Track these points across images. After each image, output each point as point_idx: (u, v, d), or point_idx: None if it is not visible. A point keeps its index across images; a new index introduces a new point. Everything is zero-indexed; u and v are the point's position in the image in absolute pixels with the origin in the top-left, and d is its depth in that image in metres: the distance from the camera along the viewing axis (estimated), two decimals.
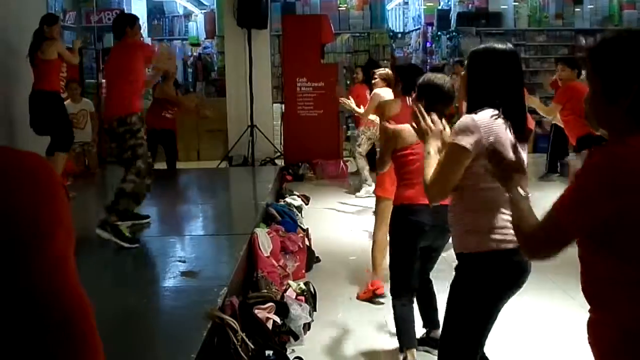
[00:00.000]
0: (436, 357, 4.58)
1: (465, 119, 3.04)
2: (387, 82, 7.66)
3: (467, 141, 2.96)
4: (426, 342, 4.86)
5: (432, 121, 3.46)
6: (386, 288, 5.43)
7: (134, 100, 6.50)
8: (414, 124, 3.51)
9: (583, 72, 8.22)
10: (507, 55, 3.14)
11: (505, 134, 3.03)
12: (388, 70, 8.56)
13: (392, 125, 4.64)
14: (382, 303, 5.68)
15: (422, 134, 3.45)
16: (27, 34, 8.26)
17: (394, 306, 4.60)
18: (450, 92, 4.39)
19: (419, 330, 4.92)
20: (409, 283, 4.57)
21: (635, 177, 1.86)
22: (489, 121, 3.01)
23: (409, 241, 4.47)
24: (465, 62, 3.30)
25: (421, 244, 4.49)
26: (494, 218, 3.05)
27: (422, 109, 3.47)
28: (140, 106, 6.69)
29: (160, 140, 10.34)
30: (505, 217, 3.01)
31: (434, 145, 3.39)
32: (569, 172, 2.54)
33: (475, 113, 3.03)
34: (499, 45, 3.17)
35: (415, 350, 4.54)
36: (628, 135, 1.92)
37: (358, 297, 5.98)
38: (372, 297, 5.85)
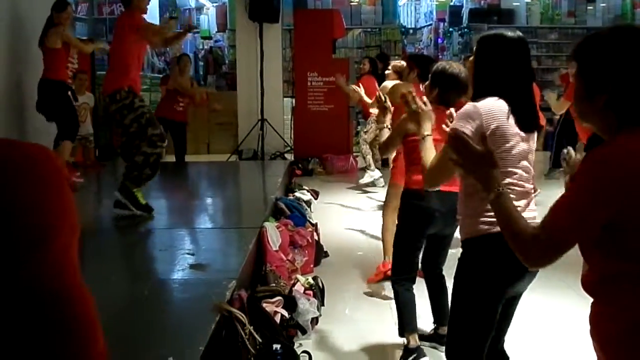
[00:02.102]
0: (443, 353, 4.65)
1: (467, 105, 3.02)
2: (399, 75, 7.63)
3: (467, 127, 2.93)
4: (434, 338, 4.86)
5: (423, 103, 3.47)
6: None
7: (121, 75, 6.51)
8: (407, 109, 3.54)
9: None
10: (516, 43, 3.10)
11: (509, 122, 2.99)
12: (404, 63, 8.52)
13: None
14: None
15: (415, 117, 3.46)
16: (40, 22, 8.28)
17: (396, 291, 4.62)
18: (464, 82, 4.38)
19: (428, 326, 4.93)
20: (411, 267, 4.61)
21: (628, 179, 1.86)
22: (491, 107, 2.97)
23: (417, 226, 4.49)
24: (474, 47, 3.27)
25: (430, 230, 4.49)
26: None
27: (414, 93, 3.47)
28: (131, 81, 6.55)
29: (170, 131, 10.34)
30: None
31: (427, 128, 3.40)
32: (567, 163, 2.48)
33: (478, 100, 3.01)
34: (509, 33, 3.13)
35: (416, 334, 4.56)
36: (614, 132, 1.96)
37: (369, 281, 6.04)
38: (383, 279, 5.84)
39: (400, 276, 4.60)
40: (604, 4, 17.09)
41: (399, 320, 4.62)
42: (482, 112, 2.96)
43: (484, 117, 2.95)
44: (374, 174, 10.61)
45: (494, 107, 2.98)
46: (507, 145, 3.00)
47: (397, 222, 4.83)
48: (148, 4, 6.86)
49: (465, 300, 3.15)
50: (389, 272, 5.75)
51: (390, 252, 5.65)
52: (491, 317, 3.11)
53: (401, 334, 4.60)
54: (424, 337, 4.89)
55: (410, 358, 4.48)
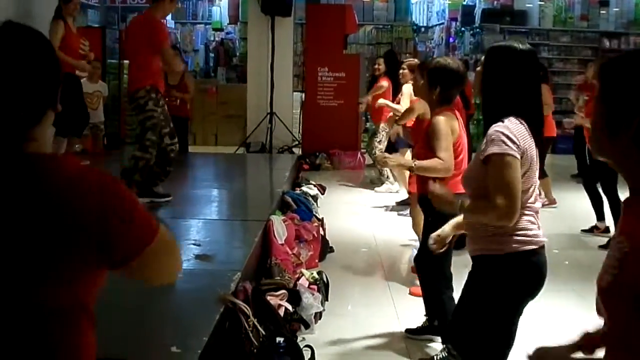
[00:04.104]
0: (437, 345, 4.72)
1: (500, 128, 2.96)
2: (414, 72, 7.59)
3: (512, 150, 2.92)
4: (427, 330, 4.90)
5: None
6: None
7: (141, 74, 6.56)
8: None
9: None
10: (525, 55, 3.09)
11: (531, 142, 3.02)
12: (416, 60, 8.47)
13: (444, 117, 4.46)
14: None
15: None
16: (48, 15, 8.22)
17: (443, 300, 4.56)
18: (464, 74, 4.39)
19: (420, 320, 4.99)
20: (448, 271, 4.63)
21: None
22: (520, 130, 2.97)
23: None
24: (483, 57, 3.25)
25: None
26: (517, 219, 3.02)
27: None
28: (152, 79, 6.58)
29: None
30: (526, 218, 3.03)
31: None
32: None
33: (502, 121, 2.99)
34: (519, 45, 3.12)
35: None
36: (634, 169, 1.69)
37: (411, 293, 5.81)
38: None
39: (445, 285, 4.59)
40: (617, 9, 17.00)
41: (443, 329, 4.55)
42: (516, 133, 2.95)
43: (519, 139, 2.95)
44: (392, 187, 10.38)
45: (522, 130, 2.98)
46: (532, 165, 3.02)
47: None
48: (173, 8, 6.87)
49: (489, 315, 3.14)
50: None
51: None
52: (513, 330, 3.15)
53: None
54: (415, 330, 4.98)
55: None
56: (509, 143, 2.91)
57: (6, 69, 1.54)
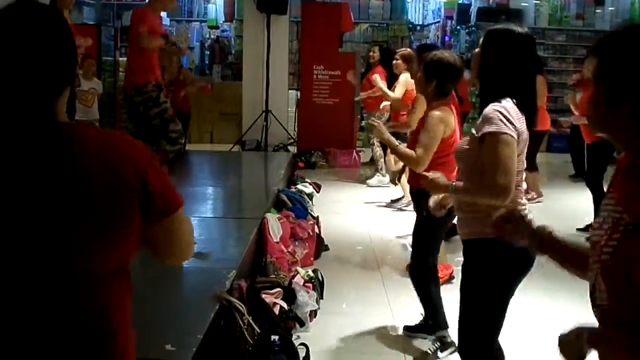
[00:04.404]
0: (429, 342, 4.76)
1: (497, 107, 2.98)
2: (408, 62, 7.59)
3: (510, 130, 2.94)
4: (425, 329, 4.92)
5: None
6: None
7: (147, 70, 6.66)
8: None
9: None
10: (524, 39, 3.11)
11: (524, 125, 3.04)
12: (409, 50, 8.49)
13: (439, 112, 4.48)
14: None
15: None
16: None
17: (430, 290, 4.68)
18: (460, 68, 4.41)
19: (417, 318, 5.02)
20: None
21: None
22: (516, 111, 3.00)
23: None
24: (481, 40, 3.25)
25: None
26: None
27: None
28: (156, 76, 6.74)
29: None
30: (518, 199, 3.09)
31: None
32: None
33: (498, 101, 3.00)
34: (517, 29, 3.13)
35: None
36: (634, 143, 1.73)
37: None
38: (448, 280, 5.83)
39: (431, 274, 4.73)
40: (612, 8, 17.02)
41: (436, 317, 4.73)
42: (514, 115, 2.96)
43: (515, 121, 2.96)
44: (383, 179, 10.52)
45: (518, 111, 2.99)
46: (523, 148, 3.04)
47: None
48: (173, 5, 6.93)
49: (482, 298, 3.20)
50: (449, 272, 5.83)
51: (442, 257, 5.77)
52: (505, 311, 3.20)
53: (443, 328, 4.69)
54: (412, 328, 5.02)
55: None
56: (506, 122, 2.93)
57: (34, 41, 1.59)
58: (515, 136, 2.95)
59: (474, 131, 3.05)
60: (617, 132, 1.79)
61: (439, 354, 4.63)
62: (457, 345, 3.50)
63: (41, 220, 1.54)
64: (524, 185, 3.26)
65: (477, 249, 3.14)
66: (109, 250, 1.63)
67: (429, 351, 4.67)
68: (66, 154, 1.55)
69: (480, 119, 3.01)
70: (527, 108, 3.07)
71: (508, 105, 2.98)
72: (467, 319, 3.27)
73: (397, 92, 8.42)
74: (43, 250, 1.56)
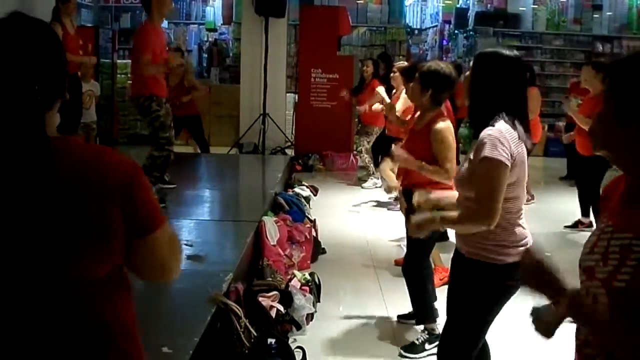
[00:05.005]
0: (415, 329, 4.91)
1: (493, 132, 3.01)
2: (405, 77, 7.57)
3: (504, 155, 2.96)
4: (413, 316, 5.09)
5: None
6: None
7: (142, 83, 6.81)
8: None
9: None
10: (512, 62, 3.16)
11: (522, 146, 3.06)
12: (406, 64, 8.50)
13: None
14: None
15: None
16: (46, 16, 8.19)
17: (425, 289, 4.82)
18: (455, 79, 4.48)
19: (407, 307, 5.13)
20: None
21: None
22: (512, 134, 3.02)
23: None
24: (471, 63, 3.33)
25: None
26: (514, 231, 3.12)
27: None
28: (152, 88, 6.81)
29: (186, 127, 10.66)
30: (521, 227, 3.15)
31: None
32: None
33: (492, 125, 3.02)
34: (506, 52, 3.20)
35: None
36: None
37: (396, 263, 6.24)
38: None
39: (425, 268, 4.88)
40: (610, 13, 17.05)
41: (426, 311, 4.89)
42: (509, 138, 2.98)
43: (512, 144, 2.98)
44: (377, 181, 10.57)
45: (514, 134, 3.01)
46: (521, 171, 3.06)
47: None
48: (169, 8, 6.98)
49: (470, 310, 3.25)
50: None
51: (436, 259, 5.85)
52: (487, 329, 3.29)
53: (432, 321, 4.86)
54: (405, 315, 5.23)
55: None
56: (500, 148, 2.95)
57: (26, 55, 1.62)
58: (509, 162, 2.96)
59: (471, 157, 3.07)
60: (621, 151, 1.79)
61: (426, 346, 4.75)
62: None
63: (29, 229, 1.58)
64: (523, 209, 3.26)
65: (482, 271, 3.17)
66: (94, 259, 1.67)
67: (416, 342, 4.80)
68: (51, 167, 1.59)
69: (476, 146, 3.05)
70: (520, 122, 3.10)
71: (503, 127, 3.01)
72: (449, 329, 3.36)
73: (398, 105, 8.32)
74: (34, 258, 1.59)
